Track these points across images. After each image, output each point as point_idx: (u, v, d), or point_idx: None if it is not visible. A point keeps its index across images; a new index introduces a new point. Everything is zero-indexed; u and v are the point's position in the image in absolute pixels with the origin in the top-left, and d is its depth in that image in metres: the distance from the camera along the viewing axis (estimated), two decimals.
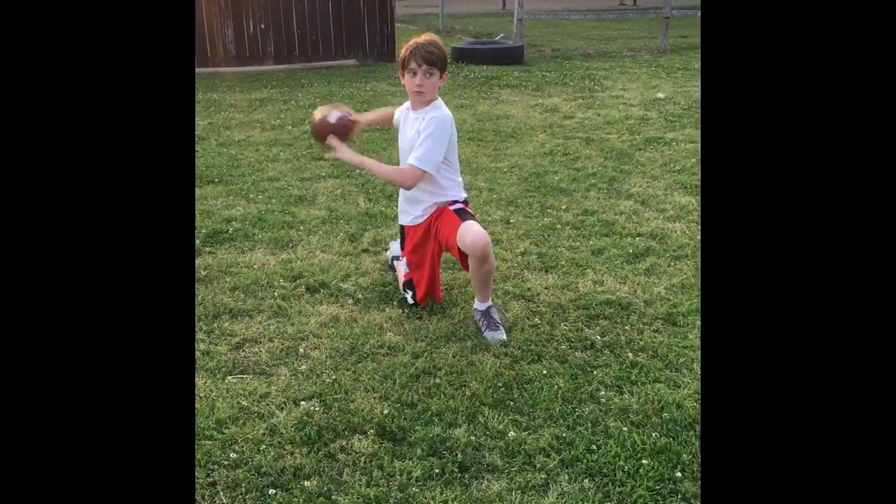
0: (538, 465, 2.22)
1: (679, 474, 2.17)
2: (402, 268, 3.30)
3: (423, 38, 2.96)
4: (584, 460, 2.24)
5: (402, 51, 3.00)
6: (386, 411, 2.45)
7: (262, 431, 2.36)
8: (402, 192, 3.21)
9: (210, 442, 2.31)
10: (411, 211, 3.22)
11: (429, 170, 2.92)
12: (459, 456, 2.25)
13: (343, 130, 3.03)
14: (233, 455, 2.25)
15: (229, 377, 2.67)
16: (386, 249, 3.79)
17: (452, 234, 2.97)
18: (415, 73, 2.93)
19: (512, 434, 2.35)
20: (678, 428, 2.37)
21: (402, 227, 3.31)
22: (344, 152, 3.00)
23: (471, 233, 2.89)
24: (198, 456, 2.24)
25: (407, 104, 3.15)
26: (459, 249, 2.97)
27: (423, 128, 2.97)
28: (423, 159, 2.90)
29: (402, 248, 3.34)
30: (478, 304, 3.06)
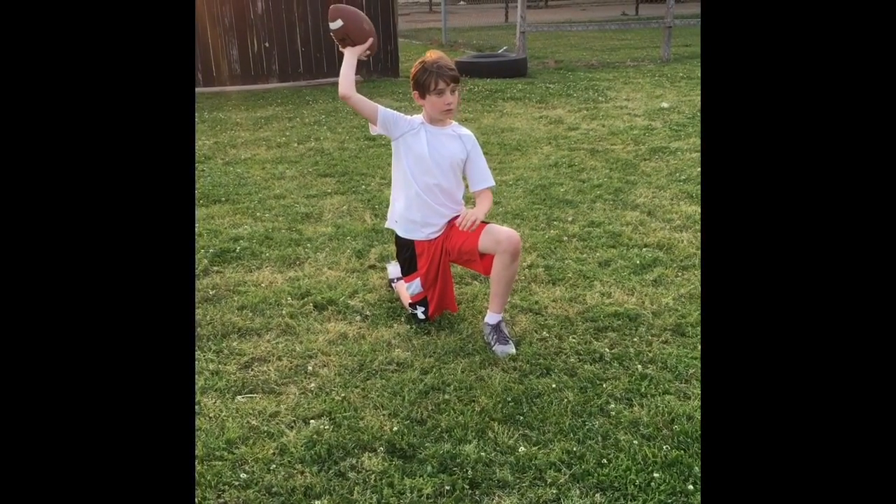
0: (549, 480, 2.21)
1: (691, 487, 2.16)
2: (405, 289, 3.27)
3: (434, 56, 2.97)
4: (595, 474, 2.23)
5: (418, 73, 2.97)
6: (395, 428, 2.45)
7: (271, 451, 2.36)
8: (415, 207, 3.16)
9: (220, 462, 2.31)
10: (428, 226, 3.18)
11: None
12: (470, 472, 2.25)
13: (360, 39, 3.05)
14: (243, 475, 2.25)
15: (239, 397, 2.68)
16: (385, 267, 3.79)
17: (471, 239, 2.98)
18: (442, 93, 2.95)
19: (522, 449, 2.34)
20: (689, 440, 2.36)
21: (406, 246, 3.25)
22: (475, 213, 2.93)
23: (502, 230, 2.97)
24: (208, 476, 2.24)
25: (418, 118, 3.13)
26: (480, 253, 2.98)
27: (471, 149, 3.11)
28: (491, 178, 3.18)
29: (404, 269, 3.28)
30: (489, 318, 3.05)
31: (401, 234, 3.24)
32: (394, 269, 3.53)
